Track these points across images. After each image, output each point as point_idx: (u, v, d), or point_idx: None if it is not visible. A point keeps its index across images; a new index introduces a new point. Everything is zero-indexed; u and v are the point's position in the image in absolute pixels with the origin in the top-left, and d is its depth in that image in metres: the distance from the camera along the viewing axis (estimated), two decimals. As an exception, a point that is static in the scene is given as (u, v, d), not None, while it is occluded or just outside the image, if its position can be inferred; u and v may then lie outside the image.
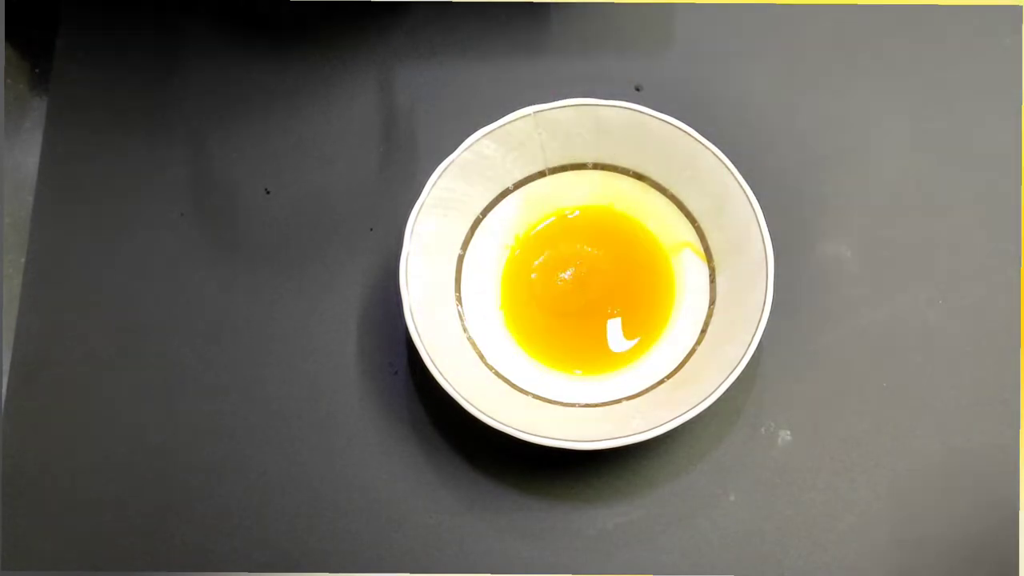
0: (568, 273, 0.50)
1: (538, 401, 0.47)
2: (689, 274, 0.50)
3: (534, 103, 0.49)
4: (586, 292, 0.50)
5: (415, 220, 0.48)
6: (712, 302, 0.48)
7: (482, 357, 0.48)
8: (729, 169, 0.47)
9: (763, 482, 0.47)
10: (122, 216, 0.53)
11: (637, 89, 0.54)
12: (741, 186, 0.47)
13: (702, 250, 0.49)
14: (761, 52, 0.55)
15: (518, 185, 0.51)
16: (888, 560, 0.46)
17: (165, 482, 0.48)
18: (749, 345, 0.44)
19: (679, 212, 0.50)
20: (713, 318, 0.48)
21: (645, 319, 0.49)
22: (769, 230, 0.46)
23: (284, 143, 0.54)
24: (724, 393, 0.44)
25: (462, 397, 0.44)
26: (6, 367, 0.50)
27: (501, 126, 0.49)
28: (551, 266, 0.51)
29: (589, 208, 0.51)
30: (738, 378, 0.44)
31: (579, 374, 0.49)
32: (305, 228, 0.53)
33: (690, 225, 0.50)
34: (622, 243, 0.51)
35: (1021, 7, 0.54)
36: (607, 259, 0.51)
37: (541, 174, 0.51)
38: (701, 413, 0.44)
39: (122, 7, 0.57)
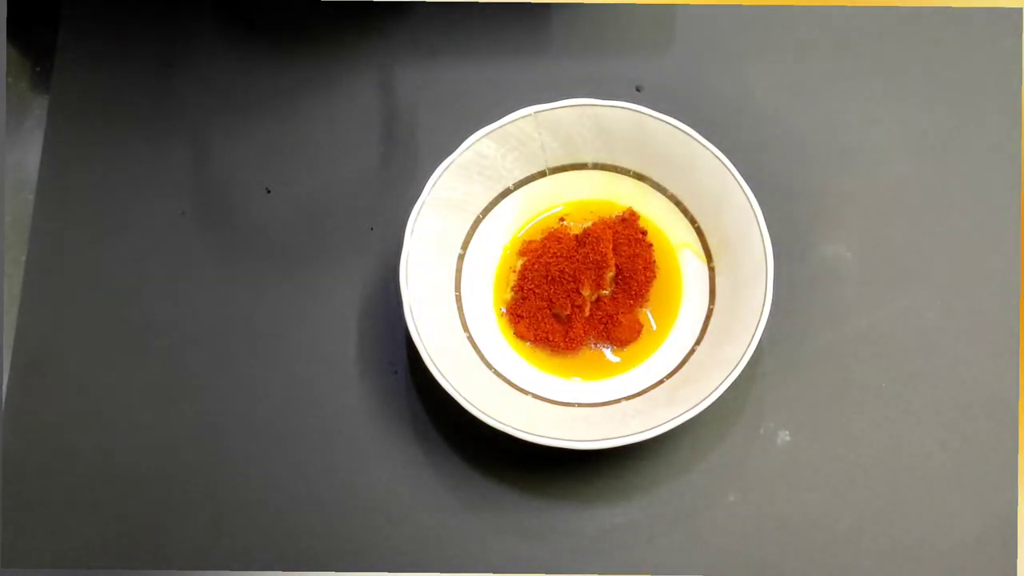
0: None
1: (538, 401, 0.47)
2: (689, 274, 0.50)
3: (534, 103, 0.49)
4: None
5: (415, 220, 0.48)
6: (712, 302, 0.48)
7: (482, 357, 0.48)
8: (729, 169, 0.47)
9: (763, 482, 0.47)
10: (123, 215, 0.53)
11: (637, 89, 0.54)
12: (741, 186, 0.47)
13: (702, 250, 0.49)
14: (761, 52, 0.55)
15: (518, 185, 0.51)
16: (887, 560, 0.46)
17: (165, 482, 0.48)
18: (749, 345, 0.44)
19: (679, 212, 0.50)
20: (713, 318, 0.48)
21: (646, 322, 0.49)
22: (769, 230, 0.46)
23: (284, 143, 0.54)
24: (724, 393, 0.44)
25: (462, 397, 0.44)
26: (6, 367, 0.50)
27: (501, 126, 0.49)
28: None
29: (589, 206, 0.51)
30: (738, 378, 0.44)
31: (578, 379, 0.49)
32: (305, 228, 0.53)
33: (690, 225, 0.50)
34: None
35: (1021, 9, 0.54)
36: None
37: (541, 174, 0.51)
38: (701, 413, 0.44)
39: (123, 7, 0.57)
